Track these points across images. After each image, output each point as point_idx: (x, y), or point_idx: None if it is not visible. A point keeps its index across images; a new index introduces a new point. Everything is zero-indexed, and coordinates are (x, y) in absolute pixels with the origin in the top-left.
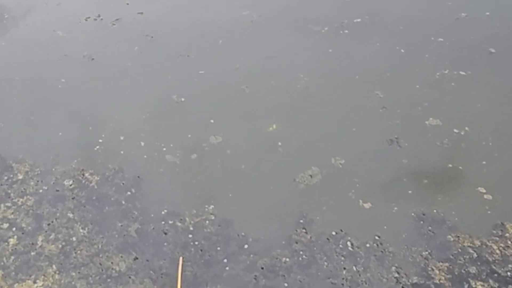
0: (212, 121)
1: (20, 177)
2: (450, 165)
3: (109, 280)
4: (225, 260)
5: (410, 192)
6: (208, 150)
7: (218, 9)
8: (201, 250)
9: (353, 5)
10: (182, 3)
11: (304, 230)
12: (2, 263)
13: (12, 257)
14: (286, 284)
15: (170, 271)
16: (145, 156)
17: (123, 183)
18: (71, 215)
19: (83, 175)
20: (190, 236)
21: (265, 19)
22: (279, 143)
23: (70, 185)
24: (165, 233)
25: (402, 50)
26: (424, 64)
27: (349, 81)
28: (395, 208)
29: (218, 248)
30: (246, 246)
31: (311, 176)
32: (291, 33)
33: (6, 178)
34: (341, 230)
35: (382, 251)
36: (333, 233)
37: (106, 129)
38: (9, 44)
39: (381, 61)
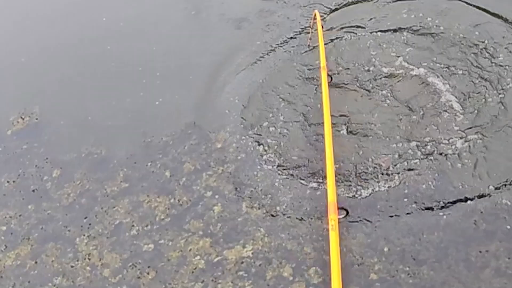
0: None
1: (219, 146)
2: None
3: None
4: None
5: None
6: None
7: None
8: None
9: None
10: None
11: None
12: (209, 231)
13: (219, 224)
14: (508, 227)
15: None
16: None
17: None
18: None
19: None
20: None
21: None
22: None
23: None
24: None
25: None
26: None
27: None
28: None
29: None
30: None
31: None
32: None
33: (204, 147)
34: None
35: None
36: None
37: None
38: None
39: None
